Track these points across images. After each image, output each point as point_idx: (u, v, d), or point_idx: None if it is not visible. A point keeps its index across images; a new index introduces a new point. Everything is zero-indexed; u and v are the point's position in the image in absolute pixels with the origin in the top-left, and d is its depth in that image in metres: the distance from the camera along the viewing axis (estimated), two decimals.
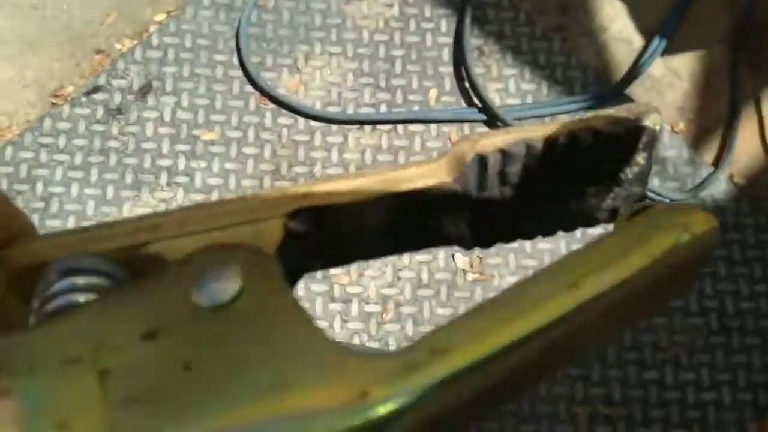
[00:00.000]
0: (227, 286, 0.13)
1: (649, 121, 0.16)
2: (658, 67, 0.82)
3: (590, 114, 0.16)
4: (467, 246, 0.18)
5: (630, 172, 0.17)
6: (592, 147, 0.16)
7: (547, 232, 0.18)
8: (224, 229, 0.15)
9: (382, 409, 0.11)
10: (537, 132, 0.16)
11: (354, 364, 0.12)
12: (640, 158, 0.17)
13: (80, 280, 0.14)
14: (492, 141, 0.16)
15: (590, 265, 0.14)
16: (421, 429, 0.12)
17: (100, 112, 0.76)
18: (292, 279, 0.16)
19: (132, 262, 0.14)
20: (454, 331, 0.13)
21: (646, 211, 0.15)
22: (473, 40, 0.80)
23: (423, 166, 0.16)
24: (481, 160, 0.16)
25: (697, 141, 0.79)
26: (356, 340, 0.68)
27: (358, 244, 0.17)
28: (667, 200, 0.74)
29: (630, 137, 0.16)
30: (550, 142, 0.16)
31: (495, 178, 0.16)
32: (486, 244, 0.18)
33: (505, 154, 0.16)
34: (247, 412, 0.11)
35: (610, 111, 0.16)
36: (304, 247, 0.16)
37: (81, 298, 0.13)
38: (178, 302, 0.13)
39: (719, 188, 0.75)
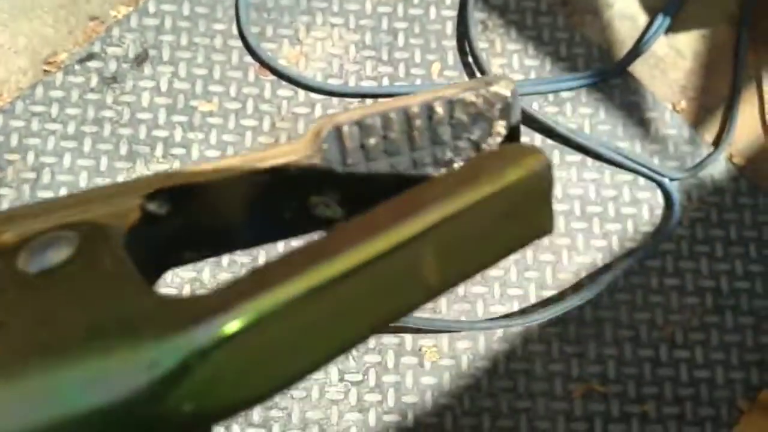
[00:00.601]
0: (55, 252, 0.13)
1: (499, 87, 0.16)
2: (661, 45, 0.78)
3: (446, 85, 0.16)
4: None
5: (492, 142, 0.16)
6: (450, 117, 0.16)
7: None
8: (80, 213, 0.14)
9: (177, 355, 0.11)
10: (391, 104, 0.16)
11: (159, 310, 0.11)
12: (500, 127, 0.16)
13: None
14: (348, 115, 0.16)
15: (418, 202, 0.13)
16: (230, 376, 0.11)
17: (94, 81, 0.71)
18: (159, 268, 0.15)
19: None
20: (267, 273, 0.12)
21: (479, 153, 0.16)
22: (477, 14, 0.76)
23: (285, 145, 0.16)
24: (338, 133, 0.16)
25: (697, 120, 0.76)
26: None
27: (226, 229, 0.16)
28: (667, 180, 0.71)
29: (484, 105, 0.16)
30: (405, 112, 0.16)
31: (358, 153, 0.16)
32: None
33: (361, 126, 0.16)
34: (46, 366, 0.10)
35: (464, 81, 0.16)
36: (166, 232, 0.15)
37: None
38: (3, 271, 0.12)
39: (718, 168, 0.73)
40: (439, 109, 0.16)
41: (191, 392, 0.11)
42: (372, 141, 0.16)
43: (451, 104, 0.16)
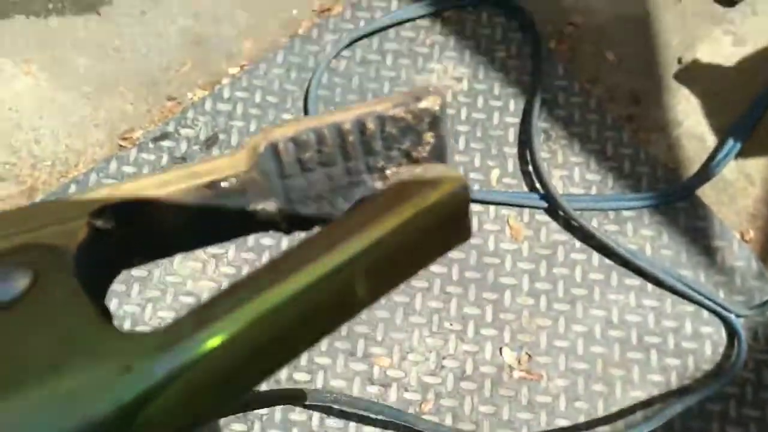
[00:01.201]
0: (14, 284, 0.13)
1: (427, 103, 0.16)
2: (731, 169, 0.72)
3: (376, 100, 0.17)
4: (285, 231, 0.18)
5: (422, 150, 0.17)
6: (382, 132, 0.16)
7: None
8: (30, 231, 0.14)
9: (145, 382, 0.11)
10: (325, 120, 0.16)
11: (122, 342, 0.12)
12: (429, 137, 0.17)
13: None
14: (283, 131, 0.16)
15: (348, 228, 0.14)
16: (192, 398, 0.12)
17: (164, 159, 0.70)
18: (110, 274, 0.16)
19: None
20: (217, 303, 0.13)
21: (402, 176, 0.16)
22: (541, 123, 0.72)
23: (224, 159, 0.16)
24: (274, 149, 0.16)
25: (767, 253, 0.69)
26: (391, 428, 0.60)
27: (173, 236, 0.17)
28: (733, 316, 0.64)
29: (413, 120, 0.16)
30: (338, 128, 0.16)
31: (295, 166, 0.17)
32: (303, 227, 0.18)
33: (296, 142, 0.16)
34: (16, 397, 0.11)
35: (394, 95, 0.17)
36: (115, 243, 0.16)
37: None
38: None
39: None
40: (371, 125, 0.16)
41: (152, 417, 0.11)
42: (307, 155, 0.16)
43: (381, 120, 0.16)
